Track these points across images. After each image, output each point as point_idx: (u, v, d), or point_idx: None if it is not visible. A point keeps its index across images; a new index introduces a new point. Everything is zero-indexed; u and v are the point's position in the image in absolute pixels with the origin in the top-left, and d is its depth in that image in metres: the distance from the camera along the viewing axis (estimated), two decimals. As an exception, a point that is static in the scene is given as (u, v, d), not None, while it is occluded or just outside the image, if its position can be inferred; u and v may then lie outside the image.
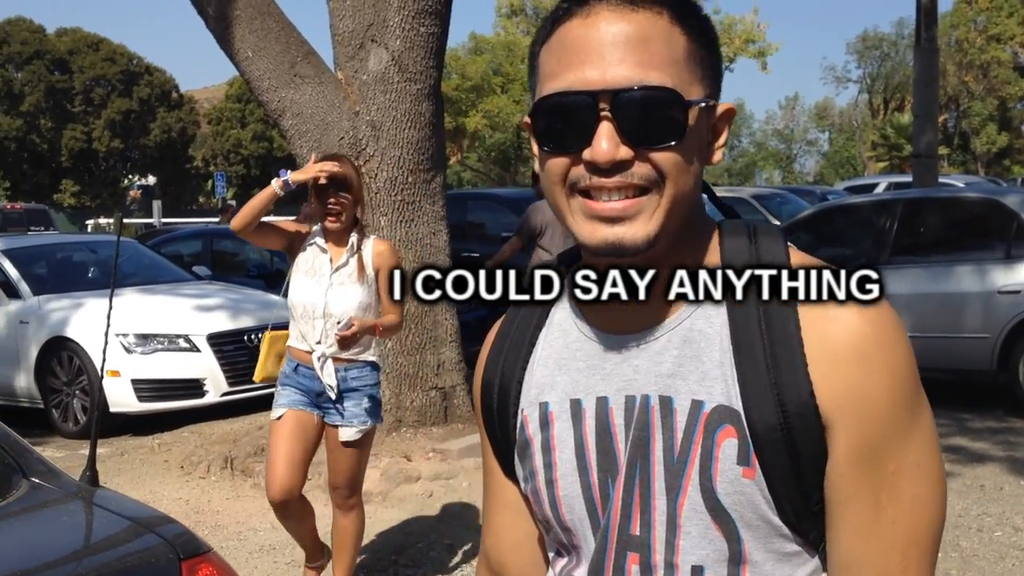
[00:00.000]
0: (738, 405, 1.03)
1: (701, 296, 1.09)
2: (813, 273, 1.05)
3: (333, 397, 4.00)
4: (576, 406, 1.14)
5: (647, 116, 1.02)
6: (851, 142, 64.03)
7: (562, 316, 1.20)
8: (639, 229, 1.04)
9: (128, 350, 7.94)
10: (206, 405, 8.09)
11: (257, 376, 4.33)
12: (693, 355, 1.08)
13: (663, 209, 1.04)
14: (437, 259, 6.83)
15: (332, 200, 4.00)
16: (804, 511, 1.03)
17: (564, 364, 1.17)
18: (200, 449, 7.07)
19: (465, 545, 5.12)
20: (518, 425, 1.19)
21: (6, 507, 1.80)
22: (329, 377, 3.99)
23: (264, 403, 8.08)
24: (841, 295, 1.03)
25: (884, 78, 60.19)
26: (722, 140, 1.12)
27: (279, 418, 4.03)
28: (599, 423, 1.12)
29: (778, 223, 13.66)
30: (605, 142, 1.01)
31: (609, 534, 1.10)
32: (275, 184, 4.01)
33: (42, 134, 48.82)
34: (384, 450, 6.33)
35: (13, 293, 8.71)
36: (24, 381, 8.40)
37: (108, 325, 2.15)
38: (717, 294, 1.08)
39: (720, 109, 1.11)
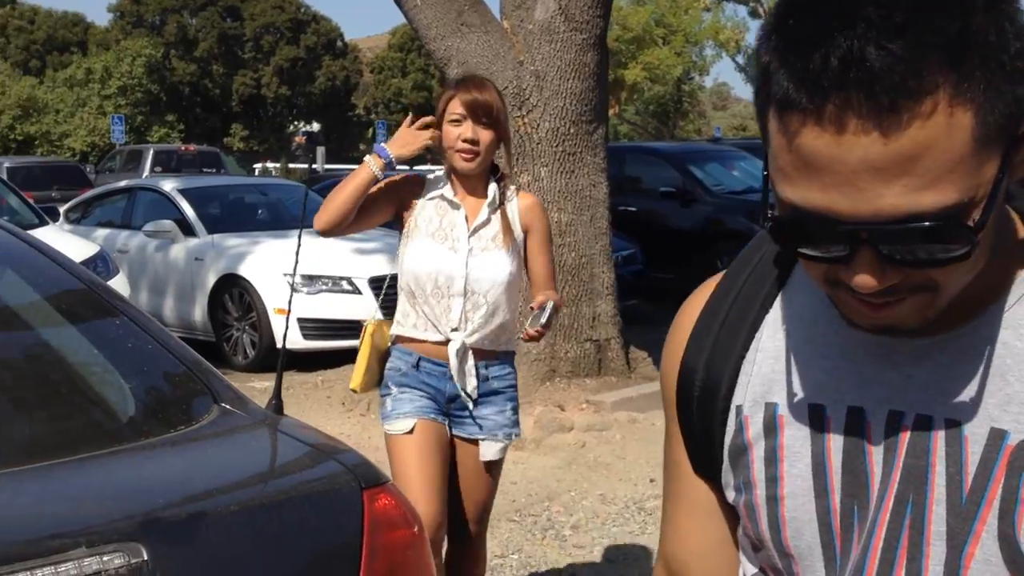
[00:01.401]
0: None
1: (1009, 303, 0.89)
2: None
3: (472, 403, 3.03)
4: (818, 413, 0.94)
5: (921, 244, 0.79)
6: None
7: (806, 301, 0.97)
8: (914, 315, 0.85)
9: (295, 290, 8.28)
10: (367, 345, 8.36)
11: (355, 383, 3.13)
12: (996, 373, 0.87)
13: (941, 301, 0.84)
14: (596, 212, 6.86)
15: (469, 136, 2.95)
16: None
17: (804, 360, 0.95)
18: (360, 388, 7.32)
19: (617, 497, 5.19)
20: (731, 426, 0.99)
21: (200, 429, 1.93)
22: (470, 376, 3.00)
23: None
24: None
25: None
26: None
27: (409, 431, 2.96)
28: (849, 439, 0.92)
29: None
30: (867, 276, 0.80)
31: None
32: (372, 164, 2.97)
33: (214, 79, 50.78)
34: (537, 398, 6.45)
35: (189, 231, 9.17)
36: (199, 315, 8.86)
37: (296, 264, 2.26)
38: None
39: None
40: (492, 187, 3.06)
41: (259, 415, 2.03)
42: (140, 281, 9.26)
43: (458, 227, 3.01)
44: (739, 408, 0.99)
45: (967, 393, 0.88)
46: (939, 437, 0.88)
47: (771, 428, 0.96)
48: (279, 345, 8.05)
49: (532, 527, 4.79)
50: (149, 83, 44.04)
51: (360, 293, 8.39)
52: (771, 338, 0.99)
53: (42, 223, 8.80)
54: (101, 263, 8.08)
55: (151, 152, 24.40)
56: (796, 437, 0.94)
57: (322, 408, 7.08)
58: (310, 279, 8.35)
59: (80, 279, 2.30)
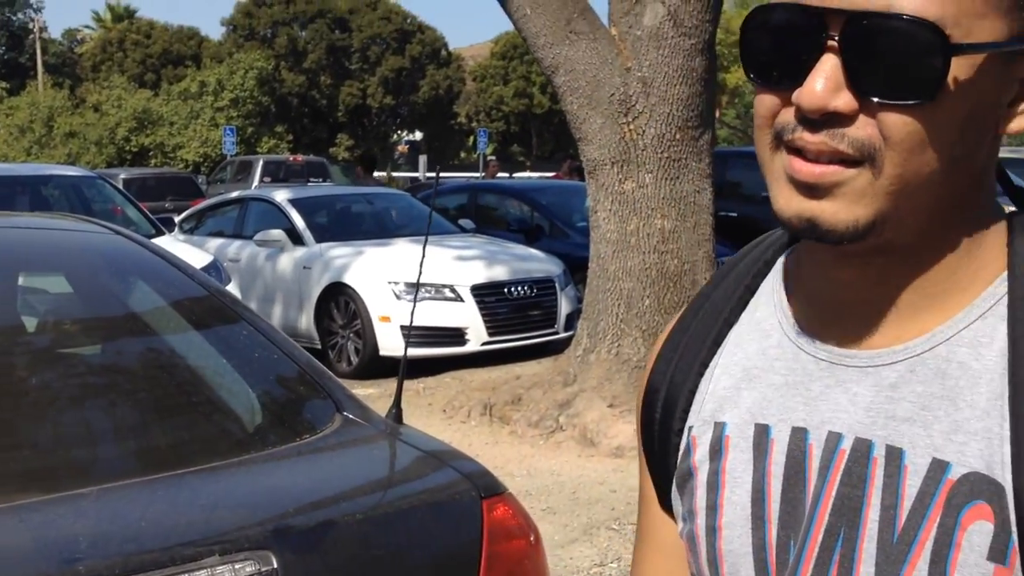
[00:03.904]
0: (1004, 477, 0.74)
1: (972, 314, 0.80)
2: None
3: None
4: (761, 434, 0.86)
5: (889, 57, 0.73)
6: None
7: (765, 312, 0.91)
8: (841, 209, 0.76)
9: (398, 297, 8.40)
10: (467, 353, 8.44)
11: None
12: (945, 396, 0.78)
13: (883, 190, 0.75)
14: (700, 218, 6.80)
15: None
16: None
17: (755, 375, 0.88)
18: (461, 395, 7.42)
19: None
20: (682, 448, 0.92)
21: (324, 439, 1.98)
22: None
23: (520, 354, 8.40)
24: None
25: None
26: None
27: None
28: (791, 462, 0.84)
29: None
30: (821, 82, 0.74)
31: None
32: None
33: (321, 90, 51.80)
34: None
35: (298, 240, 9.38)
36: (304, 323, 9.05)
37: (420, 274, 2.29)
38: (996, 313, 0.79)
39: None
40: None
41: (380, 424, 2.08)
42: (250, 290, 9.52)
43: None
44: (690, 429, 0.91)
45: (911, 417, 0.79)
46: (878, 465, 0.79)
47: (716, 450, 0.88)
48: (383, 352, 8.28)
49: (631, 535, 4.77)
50: (260, 95, 45.17)
51: (462, 300, 8.47)
52: (731, 354, 0.91)
53: (159, 233, 9.09)
54: (214, 272, 8.32)
55: (260, 163, 25.01)
56: (739, 460, 0.87)
57: (423, 415, 7.18)
58: (413, 286, 8.46)
59: (206, 288, 2.38)
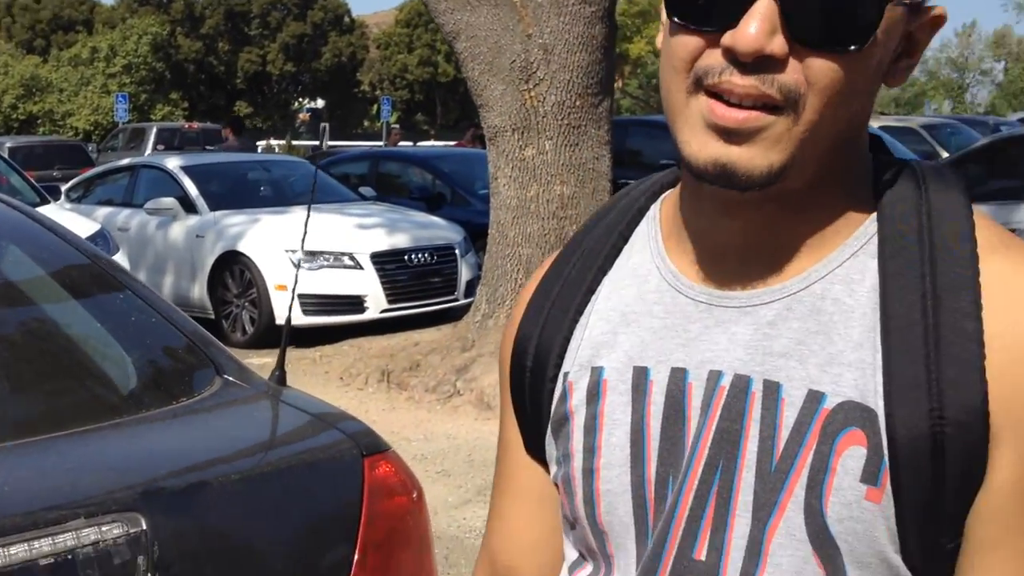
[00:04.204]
0: (876, 403, 0.77)
1: (845, 253, 0.83)
2: (1004, 246, 0.80)
3: None
4: (640, 376, 0.87)
5: (827, 2, 0.75)
6: (1033, 72, 60.13)
7: (641, 258, 0.92)
8: (758, 155, 0.77)
9: (296, 265, 8.28)
10: (366, 321, 8.38)
11: None
12: (820, 331, 0.81)
13: (797, 137, 0.77)
14: (599, 184, 6.85)
15: None
16: (934, 552, 0.78)
17: (633, 320, 0.89)
18: (359, 362, 7.36)
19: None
20: (557, 394, 0.92)
21: (202, 401, 1.95)
22: None
23: (420, 321, 8.38)
24: None
25: (1076, 4, 56.07)
26: (917, 56, 0.84)
27: None
28: (670, 401, 0.85)
29: (946, 155, 13.08)
30: (756, 24, 0.74)
31: (664, 555, 0.83)
32: None
33: (219, 56, 50.63)
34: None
35: (191, 208, 9.17)
36: (197, 293, 8.87)
37: (304, 238, 2.26)
38: (867, 251, 0.82)
39: (930, 13, 0.82)
40: None
41: (261, 386, 2.05)
42: (140, 259, 9.27)
43: None
44: (566, 375, 0.91)
45: (788, 352, 0.81)
46: (756, 399, 0.81)
47: (594, 394, 0.89)
48: (279, 321, 8.15)
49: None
50: (154, 61, 43.92)
51: (362, 268, 8.39)
52: (606, 299, 0.92)
53: (44, 202, 8.80)
54: (101, 241, 8.08)
55: (154, 130, 24.35)
56: (617, 403, 0.87)
57: (320, 383, 7.11)
58: (311, 255, 8.36)
59: (84, 253, 2.31)
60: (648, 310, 0.89)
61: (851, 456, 0.77)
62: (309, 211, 2.31)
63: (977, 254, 0.80)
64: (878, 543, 0.77)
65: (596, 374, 0.89)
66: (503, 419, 1.01)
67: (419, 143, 27.78)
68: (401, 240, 8.74)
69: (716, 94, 0.77)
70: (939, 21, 0.84)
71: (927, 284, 0.79)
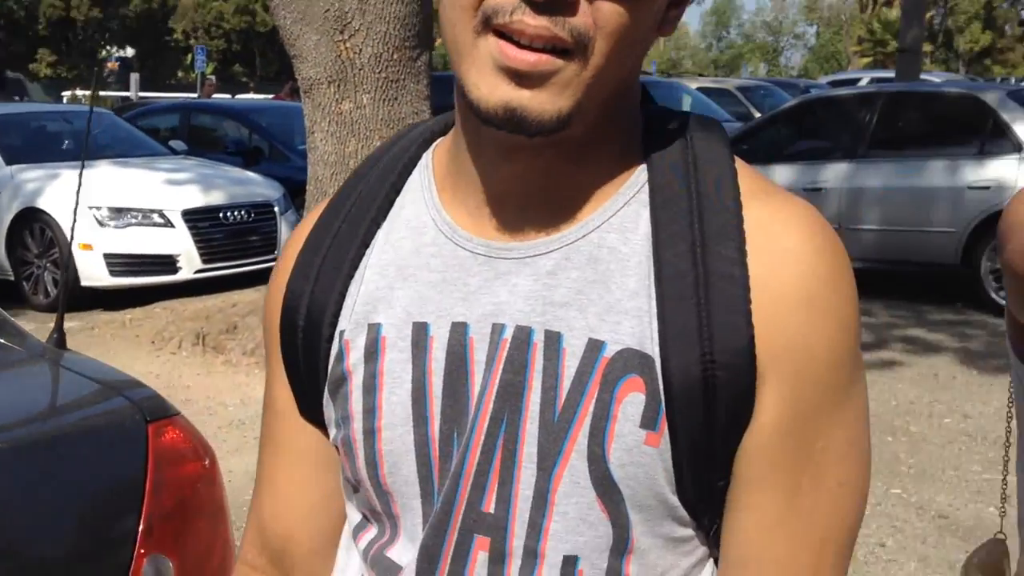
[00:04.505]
0: (652, 350, 0.79)
1: (619, 202, 0.84)
2: (765, 193, 0.83)
3: None
4: (420, 332, 0.85)
5: None
6: (838, 36, 63.22)
7: (415, 210, 0.90)
8: (548, 100, 0.76)
9: (101, 223, 7.91)
10: (179, 282, 8.09)
11: None
12: (598, 279, 0.82)
13: (584, 82, 0.77)
14: (414, 140, 6.79)
15: None
16: (708, 490, 0.81)
17: (410, 274, 0.87)
18: (172, 325, 7.12)
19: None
20: (333, 353, 0.89)
21: (-29, 366, 1.82)
22: None
23: (238, 281, 8.16)
24: (795, 223, 0.81)
25: (876, -30, 59.12)
26: (685, 7, 0.85)
27: None
28: (451, 357, 0.84)
29: (759, 115, 13.62)
30: None
31: (454, 510, 0.83)
32: None
33: (19, 0, 47.48)
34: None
35: (-15, 163, 8.61)
36: (-5, 252, 8.38)
37: (78, 194, 2.14)
38: (640, 200, 0.83)
39: None
40: None
41: (38, 349, 1.93)
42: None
43: None
44: (342, 333, 0.88)
45: (568, 302, 0.81)
46: (538, 350, 0.81)
47: (372, 352, 0.86)
48: (85, 282, 7.78)
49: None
50: (-58, 4, 40.87)
51: (173, 226, 8.09)
52: (381, 252, 0.89)
53: None
54: None
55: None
56: (397, 360, 0.85)
57: (130, 348, 6.84)
58: (118, 212, 7.99)
59: None
60: (425, 264, 0.86)
61: (631, 403, 0.79)
62: (83, 164, 2.18)
63: (740, 202, 0.82)
64: (657, 485, 0.79)
65: (374, 331, 0.87)
66: (271, 381, 0.96)
67: (237, 96, 26.88)
68: (216, 197, 8.45)
69: (505, 35, 0.75)
70: None
71: (696, 232, 0.80)
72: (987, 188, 7.48)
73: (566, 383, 0.80)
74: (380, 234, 0.90)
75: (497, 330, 0.83)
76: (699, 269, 0.79)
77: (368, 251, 0.90)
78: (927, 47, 51.62)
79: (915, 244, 7.82)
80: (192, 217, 8.16)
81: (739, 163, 0.85)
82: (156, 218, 8.08)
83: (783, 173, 8.39)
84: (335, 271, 0.89)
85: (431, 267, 0.86)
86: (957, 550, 3.84)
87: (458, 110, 0.86)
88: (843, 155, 8.23)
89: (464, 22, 0.77)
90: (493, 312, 0.83)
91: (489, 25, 0.76)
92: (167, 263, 8.08)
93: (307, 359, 0.90)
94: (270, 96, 20.67)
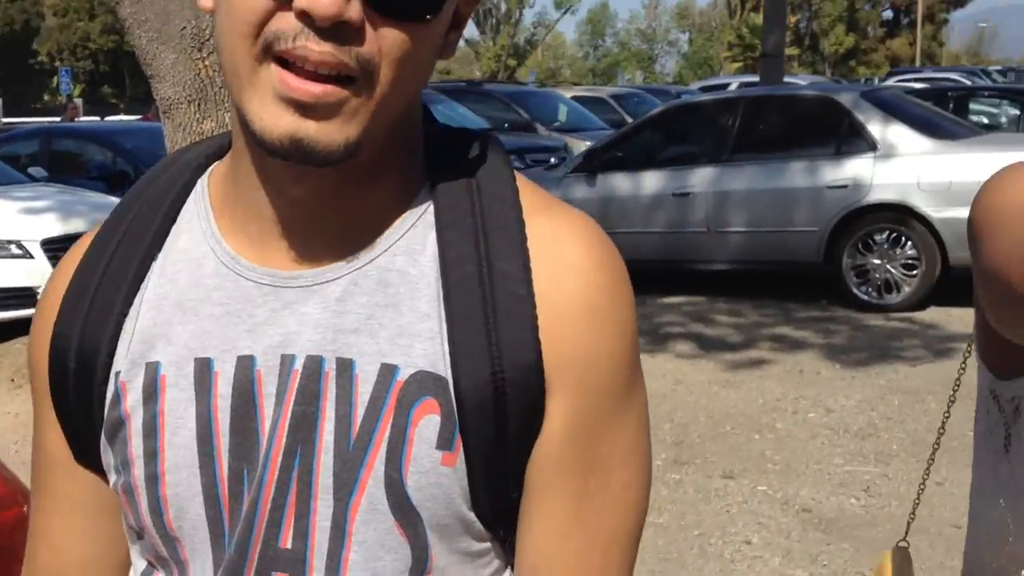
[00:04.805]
0: (446, 371, 0.79)
1: (406, 225, 0.83)
2: (546, 208, 0.84)
3: None
4: (203, 368, 0.82)
5: None
6: (709, 43, 64.85)
7: (192, 239, 0.86)
8: (335, 130, 0.75)
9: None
10: (43, 314, 7.78)
11: None
12: (389, 303, 0.81)
13: (371, 110, 0.76)
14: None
15: None
16: (504, 503, 0.82)
17: (190, 308, 0.84)
18: (35, 360, 6.83)
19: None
20: (108, 396, 0.84)
21: None
22: None
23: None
24: (576, 237, 0.83)
25: (742, -22, 60.85)
26: (462, 30, 0.85)
27: None
28: (238, 393, 0.81)
29: (631, 120, 13.82)
30: None
31: (249, 550, 0.81)
32: None
33: None
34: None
35: None
36: None
37: None
38: (426, 222, 0.83)
39: None
40: None
41: None
42: None
43: None
44: (117, 374, 0.84)
45: (359, 328, 0.80)
46: (330, 378, 0.80)
47: (151, 393, 0.82)
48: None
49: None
50: None
51: (32, 257, 7.79)
52: (156, 286, 0.85)
53: None
54: None
55: None
56: (179, 400, 0.82)
57: (-12, 385, 6.57)
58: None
59: None
60: (206, 296, 0.83)
61: (426, 425, 0.79)
62: None
63: (523, 219, 0.82)
64: (455, 504, 0.80)
65: (152, 370, 0.83)
66: (40, 427, 0.91)
67: (108, 118, 26.11)
68: (77, 225, 8.14)
69: (288, 61, 0.73)
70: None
71: (481, 251, 0.81)
72: (845, 187, 7.73)
73: (360, 410, 0.79)
74: (155, 267, 0.86)
75: (287, 361, 0.80)
76: (486, 288, 0.80)
77: (143, 286, 0.86)
78: (794, 51, 53.38)
79: (780, 244, 8.03)
80: (52, 247, 7.86)
81: (520, 179, 0.85)
82: (14, 249, 7.77)
83: (652, 179, 8.54)
84: (106, 309, 0.85)
85: (213, 300, 0.83)
86: (820, 542, 3.95)
87: (237, 136, 0.84)
88: (709, 160, 8.41)
89: (244, 50, 0.75)
90: (282, 343, 0.81)
91: (271, 52, 0.74)
92: (26, 296, 7.76)
93: (80, 404, 0.86)
94: (138, 117, 20.13)
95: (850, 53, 57.27)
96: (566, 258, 0.81)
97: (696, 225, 8.28)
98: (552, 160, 10.72)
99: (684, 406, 5.69)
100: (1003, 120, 13.26)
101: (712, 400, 5.80)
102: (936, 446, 1.26)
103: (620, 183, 8.64)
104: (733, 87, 19.96)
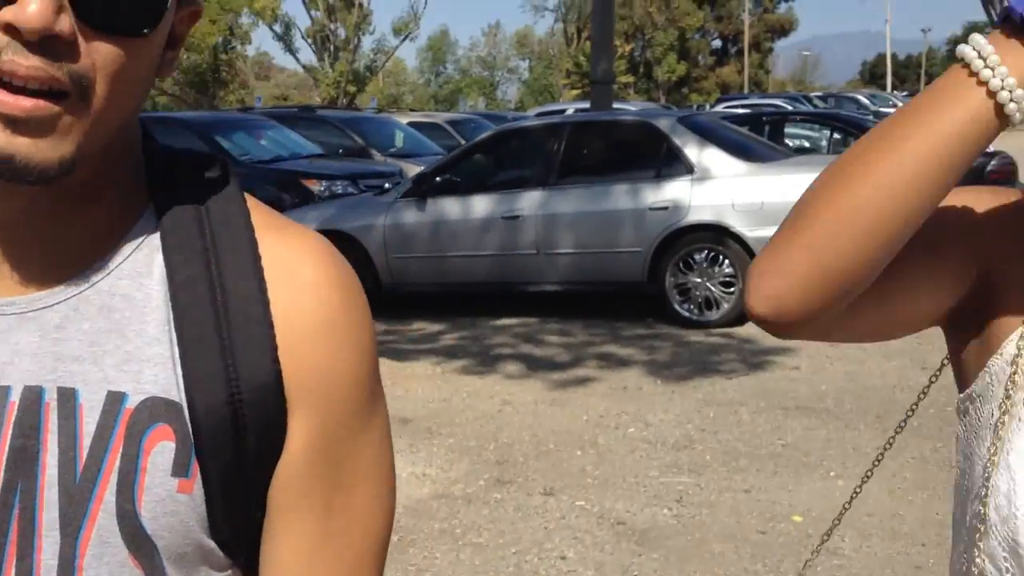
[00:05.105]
0: (179, 396, 0.78)
1: (129, 247, 0.81)
2: (279, 228, 0.84)
3: None
4: None
5: None
6: (549, 70, 66.13)
7: None
8: (48, 147, 0.72)
9: None
10: None
11: None
12: (114, 329, 0.78)
13: (85, 126, 0.73)
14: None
15: None
16: (246, 526, 0.82)
17: None
18: None
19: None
20: None
21: None
22: None
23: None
24: (310, 256, 0.83)
25: (577, 8, 62.39)
26: (179, 49, 0.84)
27: None
28: None
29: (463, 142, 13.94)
30: (38, 2, 0.68)
31: None
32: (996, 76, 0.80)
33: None
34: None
35: None
36: None
37: None
38: (151, 244, 0.81)
39: (191, 7, 0.83)
40: None
41: None
42: None
43: None
44: None
45: (82, 356, 0.78)
46: (51, 409, 0.76)
47: None
48: None
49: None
50: None
51: None
52: None
53: None
54: None
55: None
56: None
57: None
58: None
59: None
60: None
61: (160, 452, 0.77)
62: None
63: (255, 239, 0.82)
64: (193, 532, 0.78)
65: None
66: None
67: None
68: None
69: None
70: (196, 16, 0.84)
71: (213, 272, 0.79)
72: (665, 208, 8.00)
73: (86, 441, 0.76)
74: None
75: (2, 393, 0.76)
76: (219, 309, 0.79)
77: None
78: (630, 79, 54.97)
79: (607, 265, 8.23)
80: None
81: (249, 199, 0.85)
82: None
83: (482, 203, 8.62)
84: None
85: None
86: (631, 554, 4.04)
87: None
88: (536, 183, 8.55)
89: None
90: None
91: None
92: None
93: None
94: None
95: (683, 81, 59.47)
96: (302, 277, 0.81)
97: (526, 247, 8.41)
98: (386, 185, 10.71)
99: (510, 426, 5.75)
100: (823, 143, 13.97)
101: (538, 419, 5.87)
102: (876, 462, 1.30)
103: (450, 207, 8.69)
104: (569, 112, 20.43)
